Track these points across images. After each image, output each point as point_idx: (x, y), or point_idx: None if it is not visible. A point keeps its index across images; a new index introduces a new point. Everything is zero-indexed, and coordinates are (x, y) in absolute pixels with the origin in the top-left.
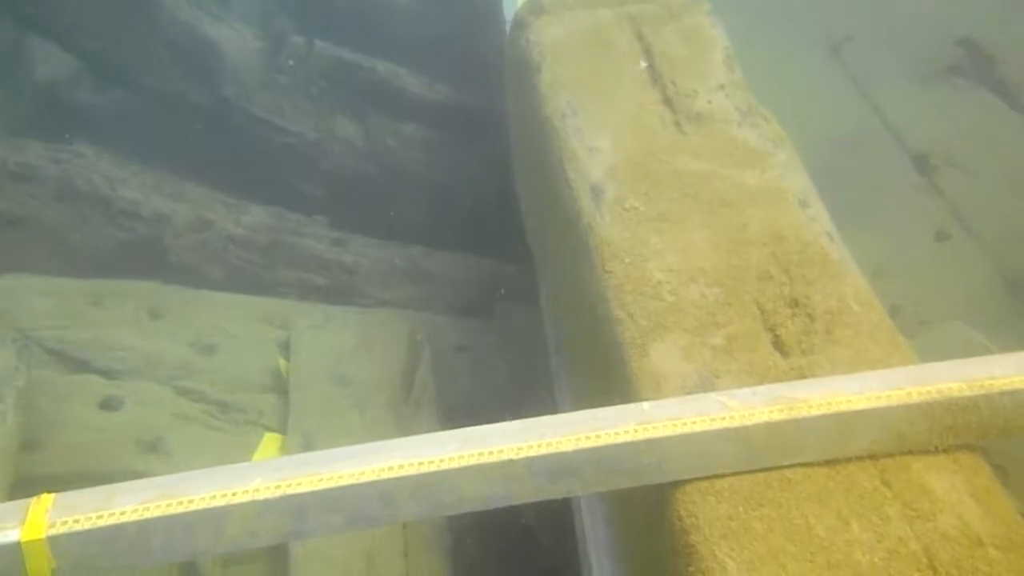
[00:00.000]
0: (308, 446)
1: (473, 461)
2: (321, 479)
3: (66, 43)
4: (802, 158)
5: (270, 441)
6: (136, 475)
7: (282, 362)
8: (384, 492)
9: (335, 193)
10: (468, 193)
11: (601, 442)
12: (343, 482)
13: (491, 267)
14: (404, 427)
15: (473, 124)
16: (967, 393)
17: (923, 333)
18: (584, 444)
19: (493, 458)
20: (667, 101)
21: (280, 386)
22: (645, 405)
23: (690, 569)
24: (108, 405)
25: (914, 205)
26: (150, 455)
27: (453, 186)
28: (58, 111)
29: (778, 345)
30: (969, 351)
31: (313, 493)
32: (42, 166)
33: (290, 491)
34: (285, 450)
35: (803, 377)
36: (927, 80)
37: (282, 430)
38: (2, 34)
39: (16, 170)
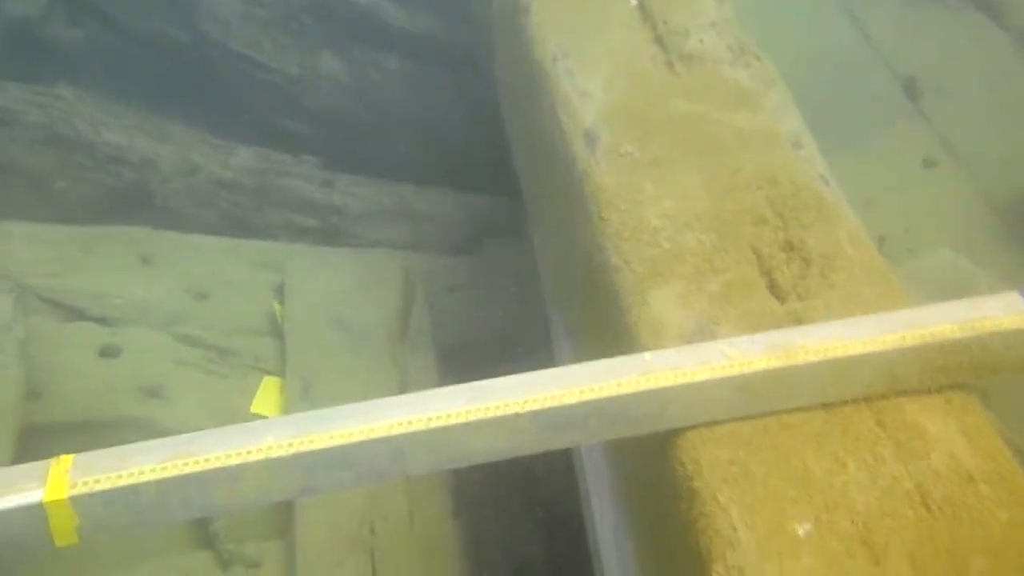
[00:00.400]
0: (307, 389)
1: (480, 416)
2: (332, 436)
3: None
4: (788, 83)
5: (269, 384)
6: (139, 422)
7: (277, 306)
8: (394, 448)
9: (321, 131)
10: (454, 127)
11: (604, 393)
12: (354, 439)
13: (480, 203)
14: (401, 368)
15: (457, 55)
16: (958, 335)
17: (911, 261)
18: (587, 396)
19: (499, 412)
20: (658, 40)
21: (276, 330)
22: (647, 355)
23: (693, 513)
24: (107, 353)
25: (903, 131)
26: (152, 401)
27: (439, 120)
28: (32, 48)
29: (774, 290)
30: (956, 276)
31: (325, 450)
32: (23, 110)
33: (303, 448)
34: (284, 393)
35: (799, 321)
36: (915, 1)
37: (280, 373)
38: None
39: None
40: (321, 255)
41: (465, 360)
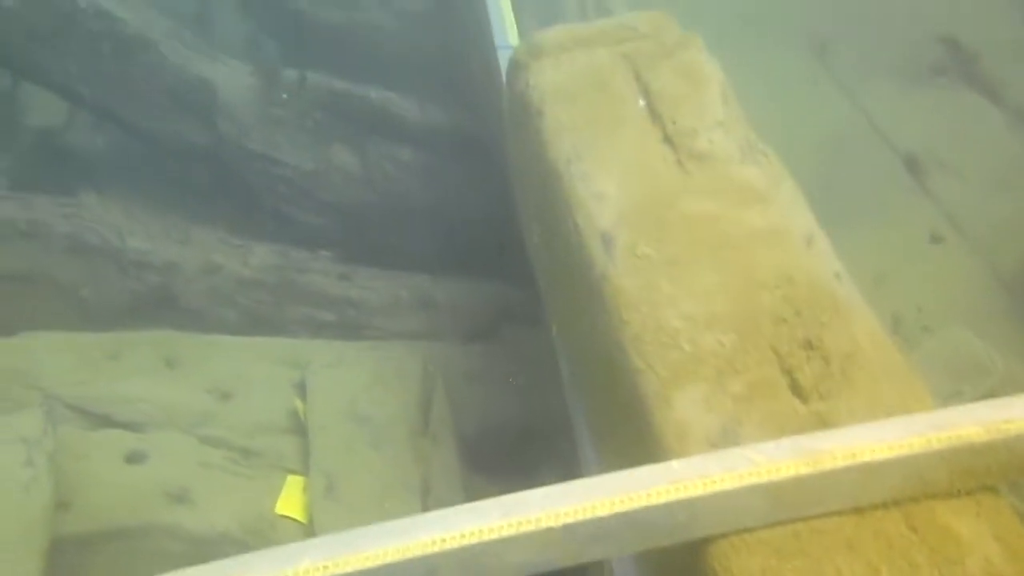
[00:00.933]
0: (330, 487)
1: (514, 531)
2: (367, 558)
3: (60, 90)
4: (790, 162)
5: (293, 484)
6: (166, 528)
7: (299, 403)
8: (429, 566)
9: (337, 223)
10: (468, 215)
11: (635, 504)
12: (389, 559)
13: (496, 290)
14: (424, 462)
15: (468, 145)
16: (985, 438)
17: (926, 341)
18: (619, 508)
19: (533, 526)
20: (668, 140)
21: (299, 427)
22: (674, 464)
23: None
24: (133, 459)
25: (907, 207)
26: (177, 506)
27: (453, 208)
28: (56, 156)
29: (796, 390)
30: (972, 358)
31: (359, 573)
32: (51, 222)
33: (337, 571)
34: (308, 492)
35: (823, 423)
36: (911, 80)
37: (304, 472)
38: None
39: (26, 228)
40: (341, 350)
41: (486, 450)
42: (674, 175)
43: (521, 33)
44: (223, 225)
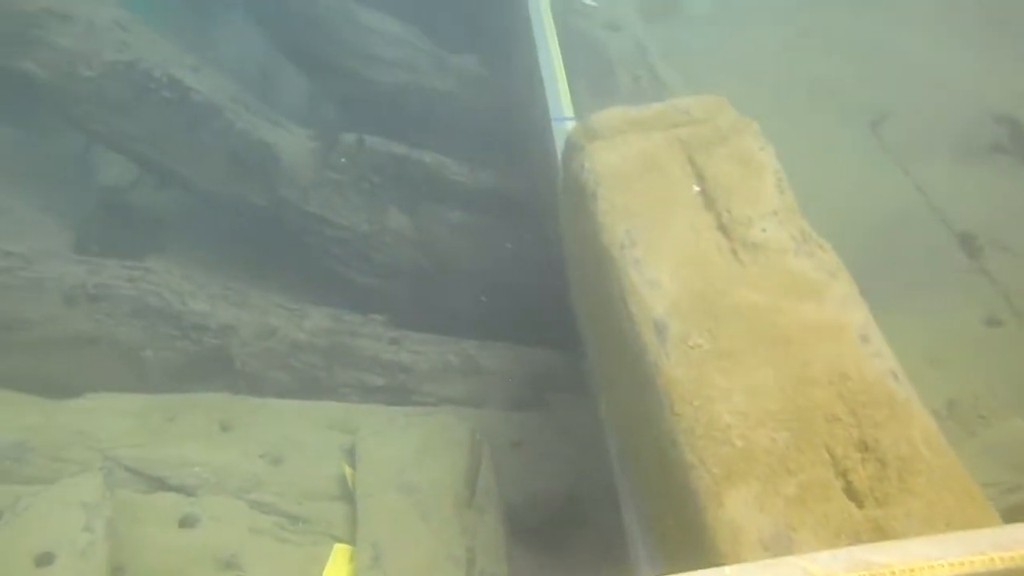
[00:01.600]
0: (377, 557)
1: None
2: None
3: (130, 153)
4: (842, 237)
5: (340, 552)
6: None
7: (348, 470)
8: None
9: (388, 284)
10: (516, 278)
11: None
12: None
13: (542, 358)
14: (469, 533)
15: (518, 211)
16: None
17: (983, 430)
18: None
19: None
20: (722, 228)
21: (347, 494)
22: (727, 570)
23: None
24: (186, 523)
25: (962, 288)
26: (227, 572)
27: (501, 273)
28: (122, 216)
29: (851, 494)
30: None
31: None
32: (118, 285)
33: None
34: (355, 561)
35: (880, 530)
36: (968, 157)
37: (351, 540)
38: (71, 144)
39: (95, 291)
40: (390, 416)
41: (531, 521)
42: (728, 264)
43: (575, 105)
44: (279, 286)
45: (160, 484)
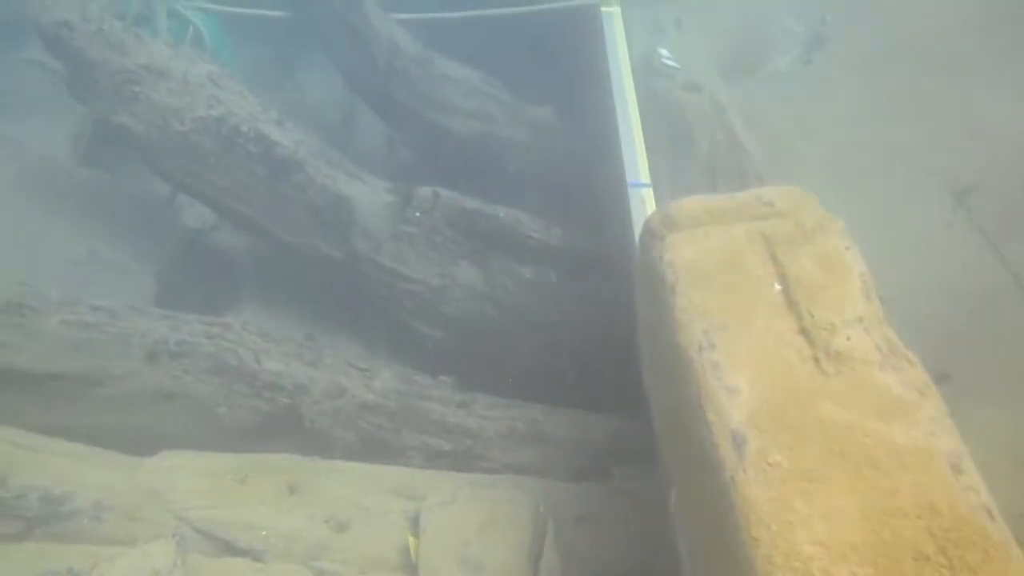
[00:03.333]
0: None
1: None
2: None
3: (212, 203)
4: (923, 316)
5: None
6: None
7: (412, 540)
8: None
9: (456, 336)
10: (584, 340)
11: None
12: None
13: (608, 426)
14: None
15: (590, 270)
16: None
17: None
18: None
19: None
20: (804, 332)
21: (410, 565)
22: None
23: None
24: None
25: None
26: None
27: (570, 332)
28: (202, 258)
29: None
30: None
31: None
32: (198, 343)
33: None
34: None
35: None
36: None
37: None
38: (158, 189)
39: (176, 348)
40: (455, 485)
41: None
42: (810, 374)
43: (652, 167)
44: (350, 337)
45: (229, 548)
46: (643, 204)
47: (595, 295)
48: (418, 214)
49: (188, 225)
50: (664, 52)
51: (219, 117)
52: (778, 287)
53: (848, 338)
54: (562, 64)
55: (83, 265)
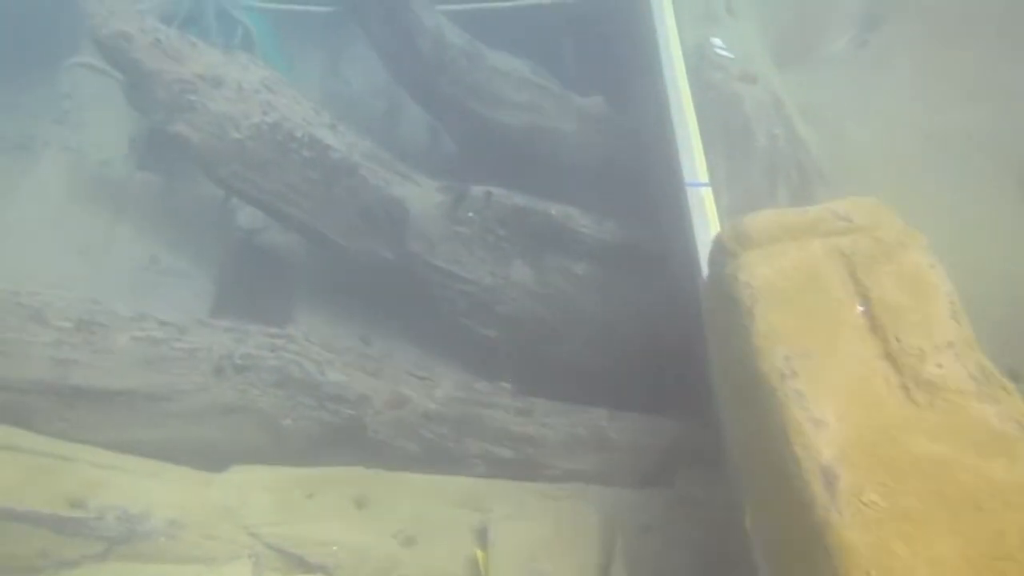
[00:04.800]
0: None
1: None
2: None
3: (267, 208)
4: (994, 311)
5: None
6: None
7: (480, 554)
8: None
9: (511, 335)
10: (642, 339)
11: None
12: None
13: (672, 429)
14: None
15: (646, 265)
16: None
17: None
18: None
19: None
20: (890, 358)
21: None
22: None
23: None
24: None
25: None
26: None
27: (627, 330)
28: (258, 260)
29: None
30: None
31: None
32: (262, 356)
33: None
34: None
35: None
36: None
37: None
38: (213, 192)
39: (241, 362)
40: (521, 497)
41: None
42: (901, 405)
43: (709, 164)
44: (405, 338)
45: (301, 564)
46: (702, 204)
47: (652, 290)
48: (471, 214)
49: (242, 225)
50: (717, 42)
51: (274, 123)
52: (860, 309)
53: (939, 365)
54: (611, 53)
55: (145, 272)
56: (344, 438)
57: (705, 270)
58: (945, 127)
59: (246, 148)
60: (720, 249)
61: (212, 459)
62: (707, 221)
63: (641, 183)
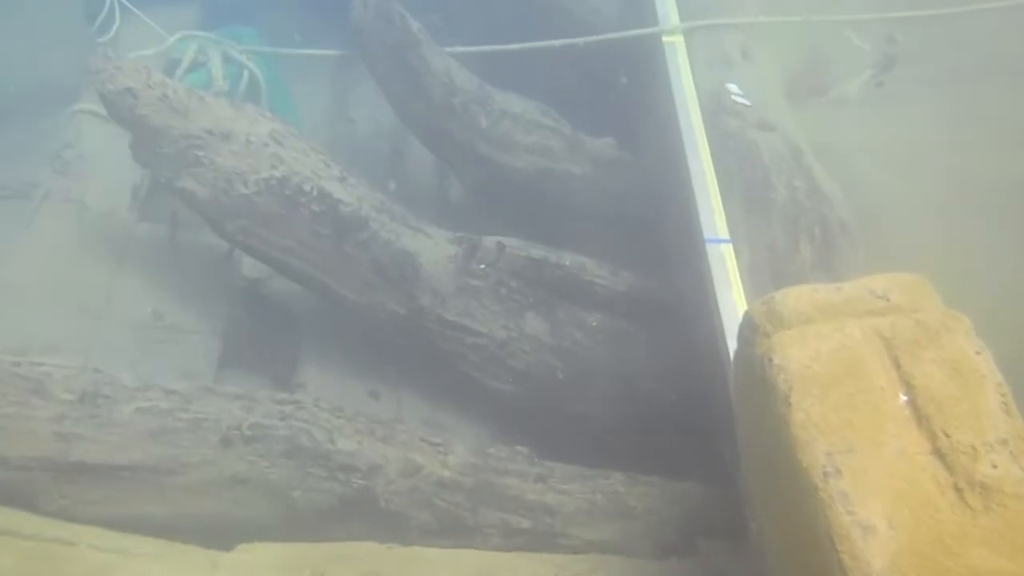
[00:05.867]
0: None
1: None
2: None
3: (274, 263)
4: None
5: None
6: None
7: None
8: None
9: (524, 389)
10: (664, 396)
11: None
12: None
13: (694, 496)
14: None
15: (661, 316)
16: None
17: None
18: None
19: None
20: (939, 455)
21: None
22: None
23: None
24: None
25: None
26: None
27: (647, 386)
28: (263, 313)
29: None
30: None
31: None
32: (271, 425)
33: None
34: None
35: None
36: None
37: None
38: (217, 243)
39: (249, 433)
40: (540, 573)
41: None
42: (954, 510)
43: (728, 218)
44: (415, 394)
45: None
46: (723, 261)
47: (671, 346)
48: (483, 266)
49: (247, 275)
50: (733, 88)
51: (282, 177)
52: (903, 398)
53: (994, 466)
54: (623, 97)
55: (148, 329)
56: (356, 510)
57: (727, 332)
58: (977, 172)
59: (254, 203)
60: (750, 326)
61: (219, 534)
62: (728, 280)
63: (655, 231)
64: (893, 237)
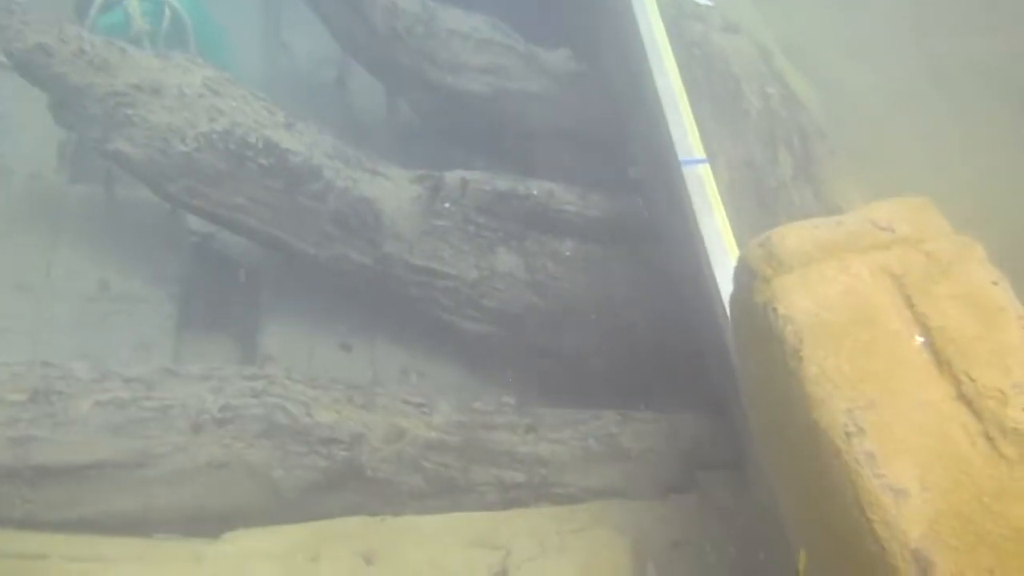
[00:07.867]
0: None
1: None
2: None
3: (228, 223)
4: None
5: None
6: None
7: None
8: None
9: (503, 331)
10: (650, 325)
11: None
12: None
13: (688, 428)
14: None
15: (637, 236)
16: None
17: None
18: None
19: None
20: (965, 401)
21: None
22: None
23: None
24: None
25: None
26: None
27: (632, 316)
28: (219, 268)
29: None
30: None
31: None
32: (244, 405)
33: None
34: None
35: None
36: None
37: None
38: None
39: (221, 415)
40: (539, 530)
41: None
42: (987, 461)
43: (702, 134)
44: (388, 343)
45: None
46: (702, 184)
47: (649, 269)
48: (447, 204)
49: (195, 229)
50: None
51: (224, 130)
52: (920, 339)
53: None
54: (574, 1)
55: (95, 302)
56: (342, 483)
57: (711, 256)
58: (944, 57)
59: (195, 161)
60: (748, 272)
61: (202, 524)
62: (709, 203)
63: (623, 149)
64: (871, 135)
